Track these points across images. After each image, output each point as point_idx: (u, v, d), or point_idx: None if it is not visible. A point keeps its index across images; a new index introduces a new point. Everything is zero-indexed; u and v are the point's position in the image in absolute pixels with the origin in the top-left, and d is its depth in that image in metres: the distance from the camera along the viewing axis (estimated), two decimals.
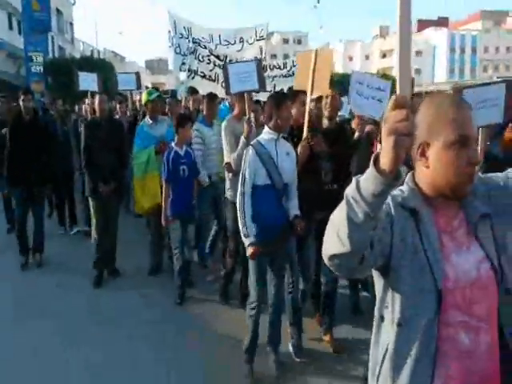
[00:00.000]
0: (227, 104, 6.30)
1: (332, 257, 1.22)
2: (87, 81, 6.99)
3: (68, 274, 5.43)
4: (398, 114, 0.98)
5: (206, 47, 6.53)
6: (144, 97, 5.47)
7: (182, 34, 6.99)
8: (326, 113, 3.87)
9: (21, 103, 5.40)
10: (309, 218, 3.65)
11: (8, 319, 4.37)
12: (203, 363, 3.61)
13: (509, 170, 1.46)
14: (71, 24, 39.41)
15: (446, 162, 1.31)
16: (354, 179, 1.12)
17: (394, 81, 2.64)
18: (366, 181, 1.08)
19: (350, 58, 73.91)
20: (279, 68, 6.67)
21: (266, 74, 6.04)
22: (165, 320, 4.33)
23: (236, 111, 4.70)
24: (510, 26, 69.57)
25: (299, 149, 3.64)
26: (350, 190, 1.13)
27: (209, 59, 6.44)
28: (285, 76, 6.57)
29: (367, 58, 71.93)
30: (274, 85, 6.53)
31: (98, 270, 5.17)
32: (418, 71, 66.92)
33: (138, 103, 8.52)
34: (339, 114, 8.64)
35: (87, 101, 7.86)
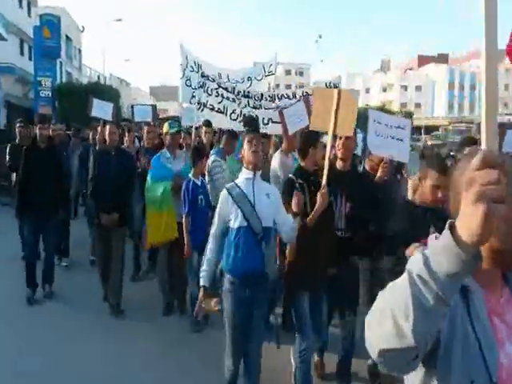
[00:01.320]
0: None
1: (384, 351, 0.95)
2: (103, 109, 6.99)
3: (73, 308, 5.31)
4: (486, 174, 0.79)
5: (214, 80, 6.56)
6: (164, 128, 5.29)
7: (192, 68, 7.20)
8: (339, 154, 3.61)
9: (37, 131, 5.43)
10: (321, 273, 3.47)
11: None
12: None
13: None
14: (79, 50, 40.37)
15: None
16: (418, 252, 0.90)
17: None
18: (438, 255, 0.85)
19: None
20: (288, 98, 6.58)
21: (274, 104, 6.23)
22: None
23: (285, 146, 5.02)
24: (508, 65, 71.08)
25: (318, 197, 3.27)
26: (414, 266, 0.89)
27: (217, 92, 6.50)
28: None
29: (367, 91, 73.19)
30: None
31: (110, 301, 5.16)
32: (417, 105, 68.09)
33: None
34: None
35: (99, 129, 7.87)
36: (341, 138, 3.54)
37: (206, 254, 3.19)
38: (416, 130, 37.25)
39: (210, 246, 3.15)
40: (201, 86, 6.43)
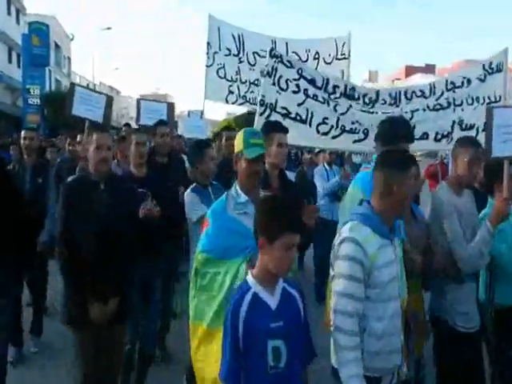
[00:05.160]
0: (368, 166, 3.25)
1: None
2: (90, 104, 4.28)
3: None
4: None
5: (291, 64, 3.82)
6: (237, 140, 2.45)
7: (229, 50, 5.20)
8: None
9: None
10: None
11: None
12: None
13: None
14: (69, 58, 40.24)
15: None
16: None
17: None
18: None
19: None
20: (423, 96, 4.10)
21: (397, 109, 3.88)
22: None
23: (454, 174, 2.79)
24: None
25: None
26: None
27: (297, 86, 3.76)
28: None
29: None
30: (414, 125, 3.72)
31: None
32: None
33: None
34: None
35: (79, 137, 4.79)
36: None
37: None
38: None
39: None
40: (268, 74, 3.72)
